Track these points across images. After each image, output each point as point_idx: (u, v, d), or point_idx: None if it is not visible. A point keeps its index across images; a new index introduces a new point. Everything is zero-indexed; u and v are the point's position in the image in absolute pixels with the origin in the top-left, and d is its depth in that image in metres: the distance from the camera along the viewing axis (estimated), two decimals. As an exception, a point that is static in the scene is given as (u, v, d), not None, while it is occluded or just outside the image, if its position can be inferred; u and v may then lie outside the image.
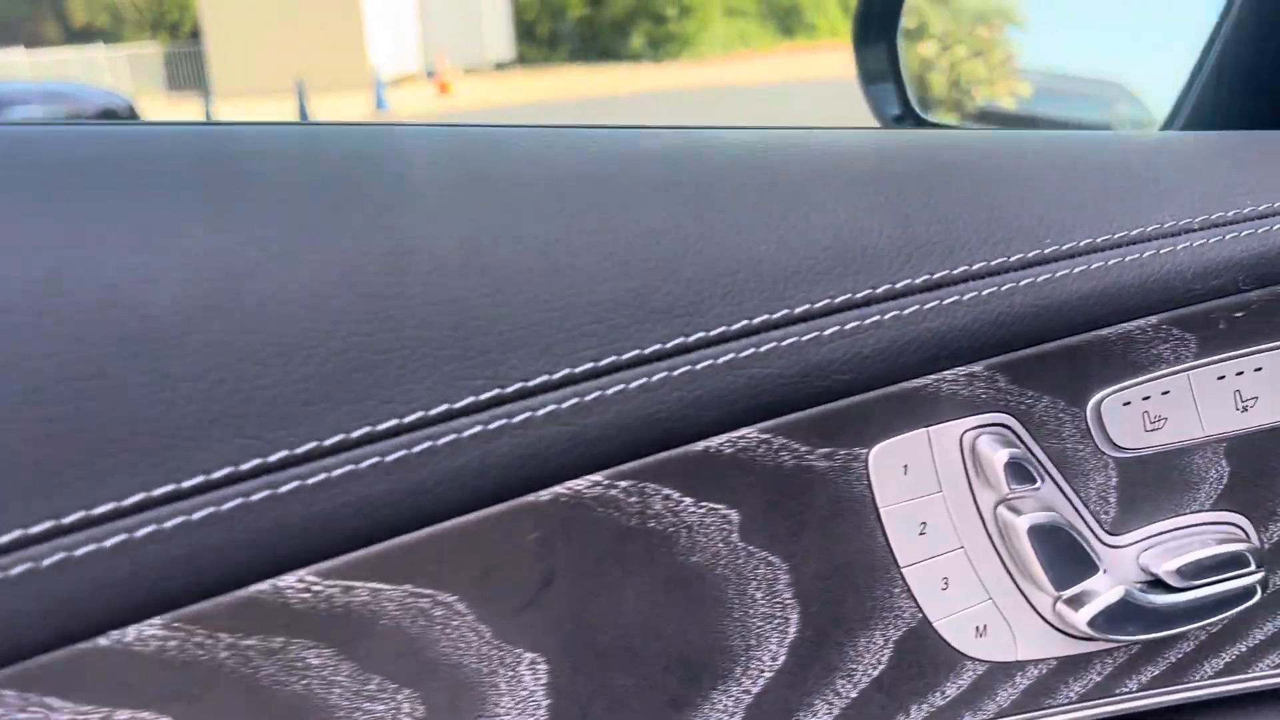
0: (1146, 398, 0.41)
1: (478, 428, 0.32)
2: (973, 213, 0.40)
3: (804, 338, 0.36)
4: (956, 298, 0.37)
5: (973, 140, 0.47)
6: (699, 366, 0.34)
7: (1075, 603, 0.42)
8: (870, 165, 0.44)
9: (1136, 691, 0.45)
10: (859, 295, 0.36)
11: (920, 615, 0.41)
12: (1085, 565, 0.41)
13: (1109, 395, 0.41)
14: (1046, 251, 0.39)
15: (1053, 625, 0.43)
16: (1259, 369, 0.42)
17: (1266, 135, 0.54)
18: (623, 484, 0.34)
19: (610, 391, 0.33)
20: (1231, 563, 0.43)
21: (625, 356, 0.34)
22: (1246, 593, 0.44)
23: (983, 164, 0.44)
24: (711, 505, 0.36)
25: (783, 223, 0.38)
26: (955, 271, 0.38)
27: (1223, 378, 0.42)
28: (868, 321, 0.36)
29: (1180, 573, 0.43)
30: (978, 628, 0.42)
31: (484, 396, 0.32)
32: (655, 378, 0.34)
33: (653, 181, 0.39)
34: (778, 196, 0.39)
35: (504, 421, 0.32)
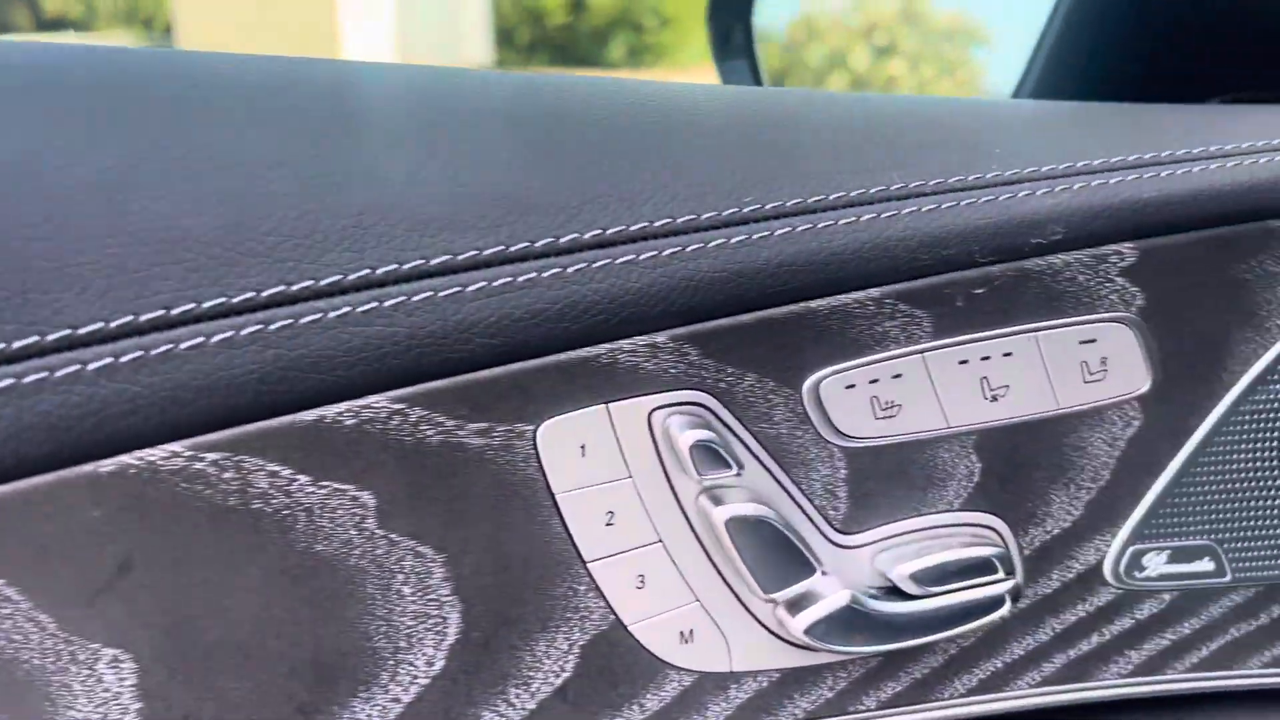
0: (874, 381, 0.37)
1: (9, 380, 0.27)
2: (675, 167, 0.36)
3: (441, 294, 0.31)
4: (631, 257, 0.33)
5: (747, 96, 0.43)
6: (304, 321, 0.30)
7: (796, 608, 0.38)
8: (594, 112, 0.39)
9: (875, 710, 0.41)
10: (513, 249, 0.32)
11: (612, 617, 0.36)
12: (800, 565, 0.37)
13: (828, 376, 0.36)
14: (745, 211, 0.35)
15: (773, 633, 0.38)
16: (1008, 354, 0.38)
17: (1085, 106, 0.50)
18: (211, 456, 0.30)
19: (185, 346, 0.29)
20: (977, 569, 0.39)
21: (207, 305, 0.29)
22: (994, 603, 0.40)
23: (728, 118, 0.40)
24: (336, 485, 0.32)
25: (434, 165, 0.33)
26: (633, 228, 0.33)
27: (965, 362, 0.38)
28: (521, 279, 0.32)
29: (916, 578, 0.39)
30: (683, 633, 0.37)
31: (17, 345, 0.27)
32: (245, 332, 0.29)
33: (286, 110, 0.34)
34: (440, 138, 0.35)
35: (43, 375, 0.28)
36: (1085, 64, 0.62)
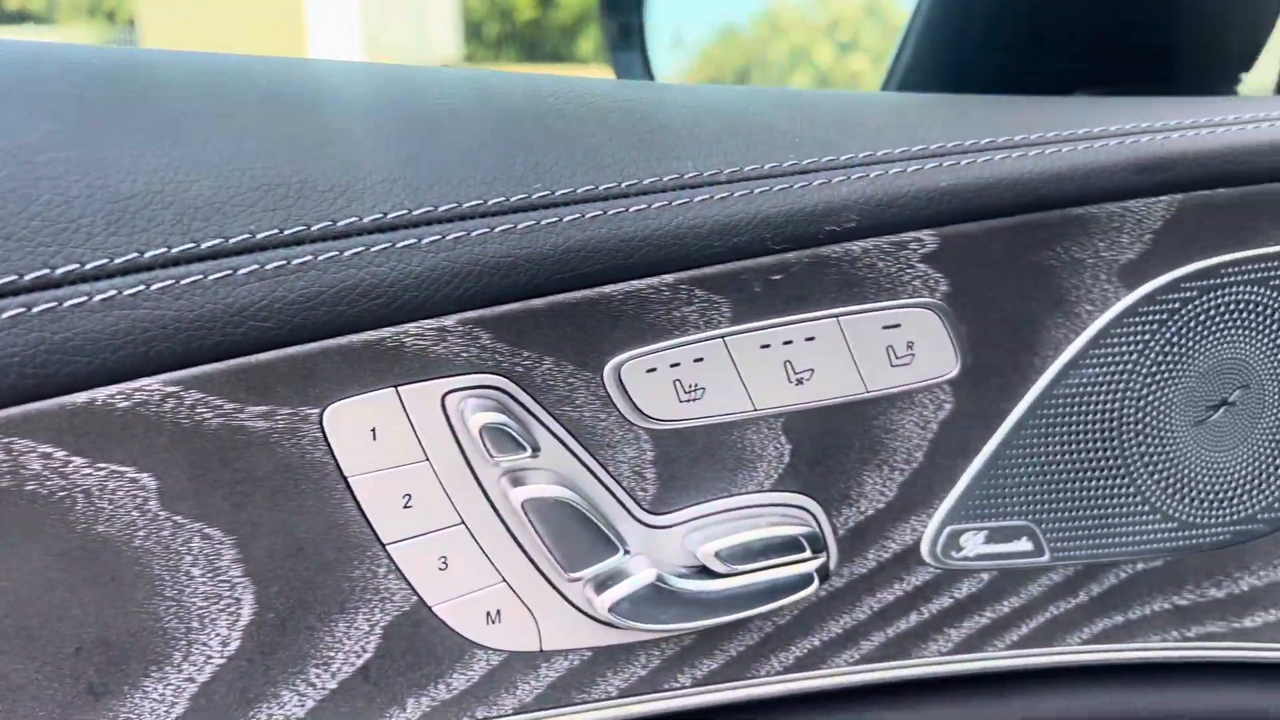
0: (676, 364, 0.38)
1: None
2: (467, 153, 0.36)
3: (210, 277, 0.31)
4: (413, 241, 0.34)
5: (565, 87, 0.43)
6: (67, 304, 0.30)
7: (602, 587, 0.38)
8: (396, 99, 0.40)
9: (690, 687, 0.42)
10: (287, 233, 0.32)
11: (415, 598, 0.37)
12: (604, 545, 0.38)
13: (629, 360, 0.37)
14: (534, 197, 0.35)
15: (582, 612, 0.39)
16: (811, 338, 0.39)
17: (912, 97, 0.51)
18: None
19: None
20: (784, 547, 0.40)
21: None
22: (802, 581, 0.40)
23: (535, 109, 0.40)
24: (114, 467, 0.32)
25: (212, 150, 0.34)
26: (416, 213, 0.34)
27: (768, 346, 0.39)
28: (295, 262, 0.32)
29: (721, 556, 0.39)
30: (489, 613, 0.38)
31: None
32: (6, 315, 0.29)
33: (67, 96, 0.34)
34: (225, 123, 0.35)
35: None
36: (948, 57, 0.63)
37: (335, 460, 0.34)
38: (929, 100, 0.48)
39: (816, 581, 0.41)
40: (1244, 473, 0.45)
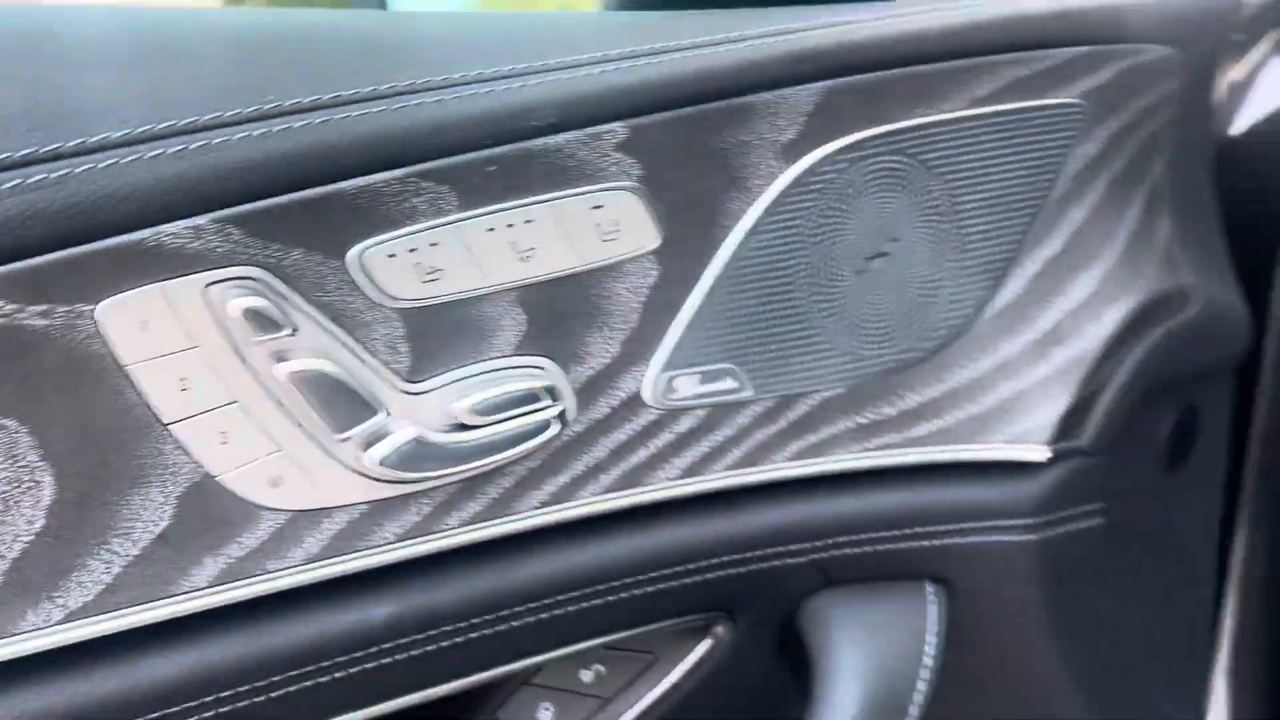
0: (413, 249, 0.44)
1: None
2: (209, 75, 0.41)
3: None
4: (160, 152, 0.39)
5: (308, 17, 0.49)
6: None
7: (370, 445, 0.45)
8: (136, 32, 0.44)
9: (459, 527, 0.49)
10: (44, 150, 0.37)
11: (201, 471, 0.42)
12: (365, 408, 0.44)
13: (369, 248, 0.43)
14: (266, 108, 0.41)
15: (355, 471, 0.45)
16: (530, 220, 0.46)
17: (626, 15, 0.59)
18: None
19: None
20: (528, 399, 0.48)
21: None
22: (544, 425, 0.48)
23: (263, 36, 0.46)
24: None
25: None
26: (159, 127, 0.39)
27: (493, 229, 0.46)
28: (54, 176, 0.37)
29: (475, 410, 0.46)
30: (271, 479, 0.44)
31: None
32: None
33: None
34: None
35: None
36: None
37: (112, 351, 0.39)
38: (623, 17, 0.55)
39: (558, 426, 0.48)
40: (901, 310, 0.56)
